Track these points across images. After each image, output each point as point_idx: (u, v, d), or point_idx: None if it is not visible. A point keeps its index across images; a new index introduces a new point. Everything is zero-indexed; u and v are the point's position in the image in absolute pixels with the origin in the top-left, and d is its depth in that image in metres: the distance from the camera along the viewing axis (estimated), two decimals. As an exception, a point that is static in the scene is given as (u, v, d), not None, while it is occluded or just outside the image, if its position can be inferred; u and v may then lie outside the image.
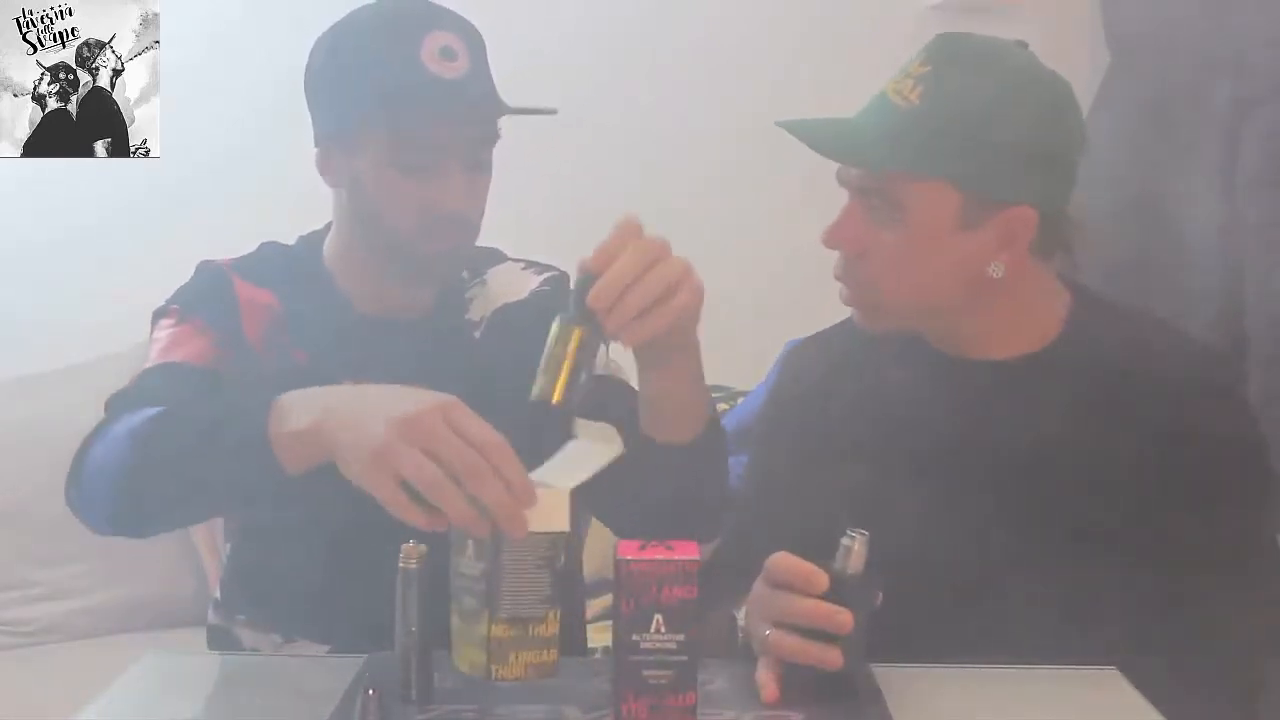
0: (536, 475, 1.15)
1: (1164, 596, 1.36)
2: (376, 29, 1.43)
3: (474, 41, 1.45)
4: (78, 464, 1.35)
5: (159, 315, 1.51)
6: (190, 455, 1.25)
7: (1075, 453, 1.39)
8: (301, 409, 1.21)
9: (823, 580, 1.19)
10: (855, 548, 1.20)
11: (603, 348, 1.55)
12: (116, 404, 1.41)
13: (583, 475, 1.16)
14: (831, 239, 1.42)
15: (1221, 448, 1.38)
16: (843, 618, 1.18)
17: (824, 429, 1.50)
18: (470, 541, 1.13)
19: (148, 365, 1.46)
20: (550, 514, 1.13)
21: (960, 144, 1.34)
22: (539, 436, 1.22)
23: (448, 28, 1.43)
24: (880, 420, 1.46)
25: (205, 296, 1.50)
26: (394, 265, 1.47)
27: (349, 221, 1.50)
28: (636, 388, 1.40)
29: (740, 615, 1.30)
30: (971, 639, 1.32)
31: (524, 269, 1.60)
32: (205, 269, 1.54)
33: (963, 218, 1.36)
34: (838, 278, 1.43)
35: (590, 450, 1.19)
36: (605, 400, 1.36)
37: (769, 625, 1.22)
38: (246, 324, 1.48)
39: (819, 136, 1.41)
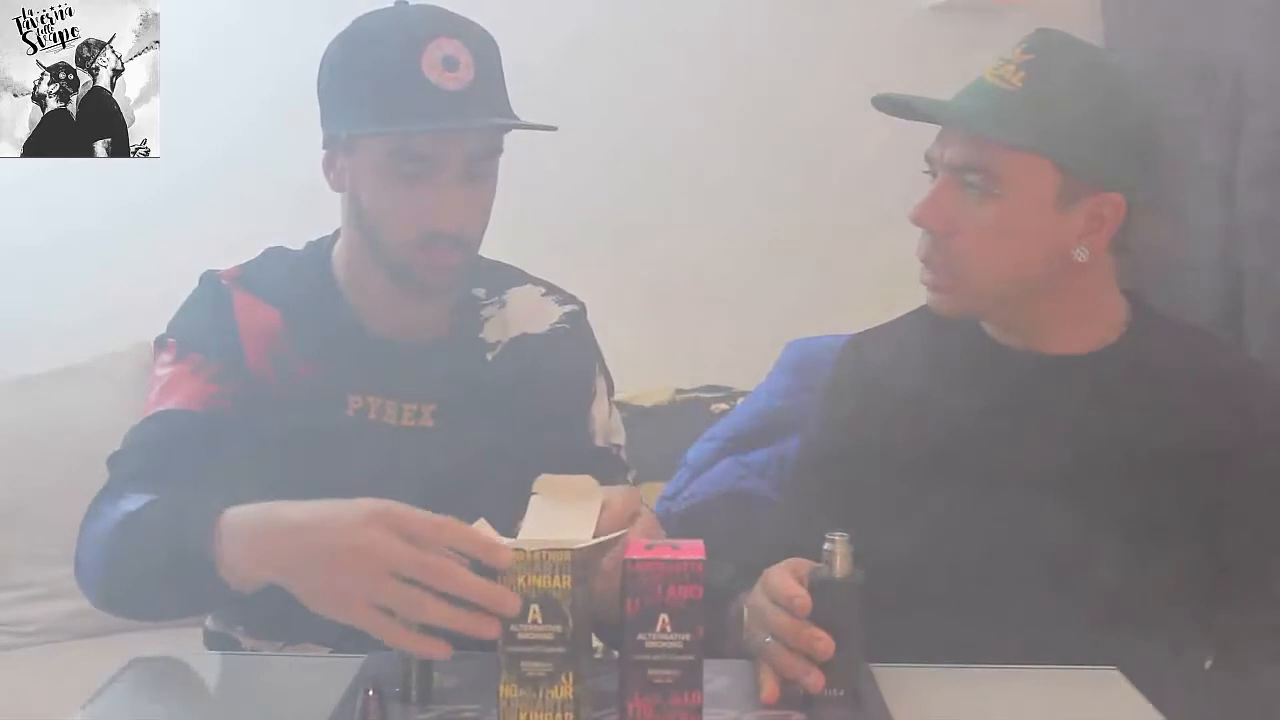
0: (520, 539, 1.13)
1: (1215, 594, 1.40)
2: (383, 34, 1.42)
3: (483, 51, 1.42)
4: (80, 537, 1.36)
5: (159, 346, 1.50)
6: (148, 576, 1.25)
7: (1135, 450, 1.41)
8: (243, 549, 1.18)
9: (805, 604, 1.19)
10: (837, 550, 1.20)
11: (604, 412, 1.56)
12: (115, 465, 1.42)
13: (586, 529, 1.15)
14: (923, 215, 1.43)
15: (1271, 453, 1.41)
16: (822, 645, 1.18)
17: (877, 420, 1.50)
18: (535, 605, 1.09)
19: (145, 413, 1.45)
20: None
21: (1064, 124, 1.38)
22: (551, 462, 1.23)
23: (455, 35, 1.40)
24: (937, 413, 1.47)
25: (204, 324, 1.48)
26: (393, 278, 1.46)
27: (353, 229, 1.49)
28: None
29: (746, 613, 1.30)
30: (1022, 638, 1.34)
31: (544, 295, 1.59)
32: (207, 285, 1.52)
33: (1059, 197, 1.39)
34: (922, 258, 1.44)
35: (566, 506, 1.18)
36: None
37: (767, 633, 1.22)
38: (249, 351, 1.47)
39: (928, 108, 1.43)
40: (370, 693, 1.12)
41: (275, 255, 1.55)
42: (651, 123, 2.62)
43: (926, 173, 1.45)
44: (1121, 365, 1.45)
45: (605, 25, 2.62)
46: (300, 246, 1.56)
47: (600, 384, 1.58)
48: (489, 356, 1.53)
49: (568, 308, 1.59)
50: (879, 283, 2.51)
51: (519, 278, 1.59)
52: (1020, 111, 1.38)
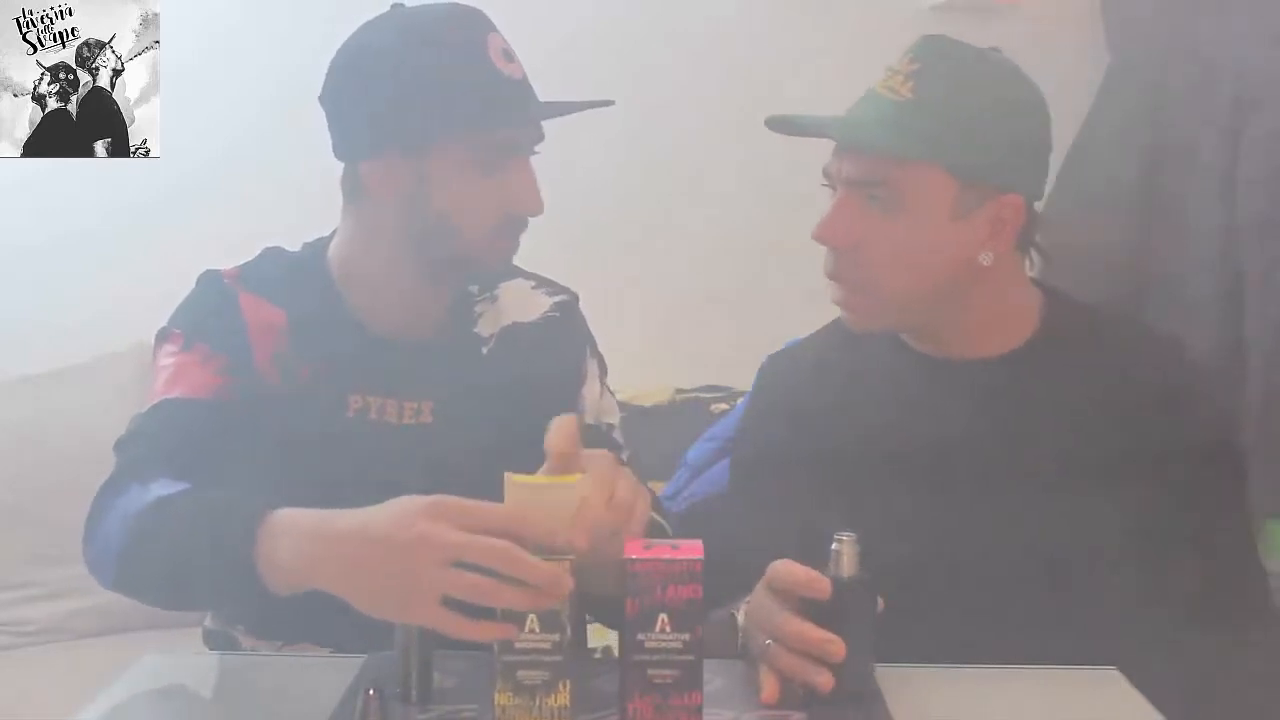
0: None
1: (1155, 586, 1.37)
2: (438, 34, 1.43)
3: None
4: (89, 524, 1.33)
5: (161, 338, 1.48)
6: (178, 563, 1.22)
7: (1056, 448, 1.41)
8: (291, 553, 1.16)
9: (824, 585, 1.19)
10: (845, 550, 1.20)
11: (595, 392, 1.56)
12: (123, 450, 1.39)
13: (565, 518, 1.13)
14: (825, 233, 1.43)
15: (1189, 430, 1.41)
16: (834, 648, 1.18)
17: (804, 436, 1.50)
18: (531, 616, 1.10)
19: (151, 401, 1.42)
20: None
21: (956, 132, 1.38)
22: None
23: (494, 28, 1.45)
24: (862, 424, 1.47)
25: (211, 318, 1.47)
26: (431, 276, 1.47)
27: (384, 232, 1.47)
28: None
29: (740, 616, 1.30)
30: (970, 640, 1.33)
31: (535, 288, 1.60)
32: (209, 283, 1.50)
33: (958, 205, 1.39)
34: (829, 275, 1.45)
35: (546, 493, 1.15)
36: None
37: (768, 636, 1.22)
38: (256, 349, 1.46)
39: (821, 126, 1.44)
40: (370, 693, 1.12)
41: (273, 256, 1.55)
42: (651, 123, 2.62)
43: (825, 185, 1.46)
44: (1036, 362, 1.45)
45: (605, 25, 2.62)
46: (297, 247, 1.55)
47: (591, 366, 1.59)
48: (484, 350, 1.53)
49: (558, 297, 1.60)
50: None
51: (510, 272, 1.59)
52: (912, 122, 1.38)
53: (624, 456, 1.54)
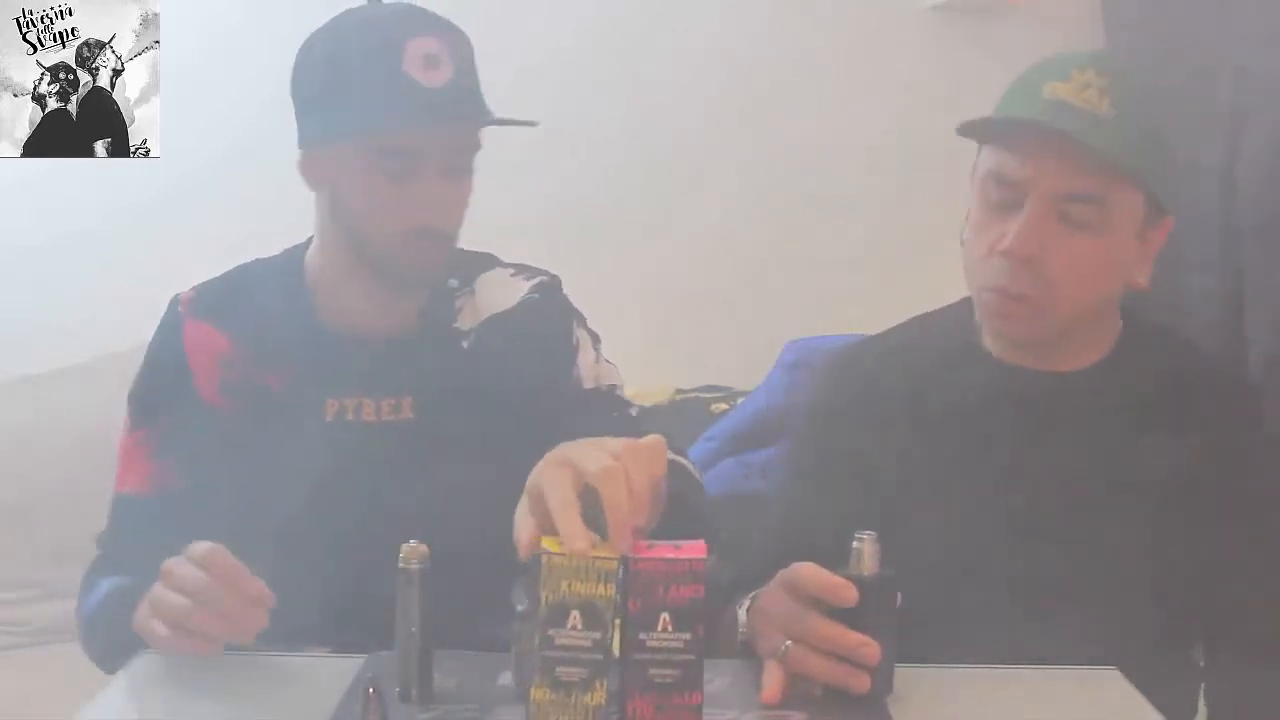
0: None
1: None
2: (361, 34, 1.42)
3: (460, 48, 1.44)
4: (77, 608, 1.50)
5: (128, 402, 1.54)
6: (115, 648, 1.35)
7: (1121, 462, 1.42)
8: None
9: (851, 593, 1.18)
10: (865, 549, 1.20)
11: (590, 359, 1.56)
12: (101, 542, 1.53)
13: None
14: (1024, 246, 1.36)
15: (1245, 462, 1.43)
16: (870, 650, 1.17)
17: (874, 438, 1.48)
18: (575, 612, 1.08)
19: (115, 485, 1.53)
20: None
21: (1156, 151, 1.38)
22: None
23: (433, 34, 1.42)
24: (930, 428, 1.46)
25: (155, 377, 1.53)
26: (375, 274, 1.47)
27: (330, 228, 1.49)
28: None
29: (742, 613, 1.30)
30: (1020, 644, 1.33)
31: (513, 275, 1.59)
32: (165, 314, 1.54)
33: (1144, 223, 1.39)
34: (1003, 288, 1.38)
35: None
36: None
37: (787, 637, 1.21)
38: (200, 381, 1.50)
39: (1041, 129, 1.36)
40: (370, 693, 1.12)
41: (246, 268, 1.56)
42: (651, 123, 2.62)
43: (996, 206, 1.39)
44: (1106, 381, 1.45)
45: (606, 26, 2.61)
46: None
47: (582, 335, 1.57)
48: (465, 344, 1.53)
49: (536, 279, 1.58)
50: (879, 283, 2.52)
51: (489, 263, 1.59)
52: (1120, 136, 1.34)
53: (632, 412, 1.54)
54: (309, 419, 1.47)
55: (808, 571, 1.21)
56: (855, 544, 1.20)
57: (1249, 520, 1.42)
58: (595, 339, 1.59)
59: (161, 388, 1.51)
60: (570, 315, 1.59)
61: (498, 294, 1.56)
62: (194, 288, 1.55)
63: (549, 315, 1.57)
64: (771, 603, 1.25)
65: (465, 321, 1.54)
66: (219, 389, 1.49)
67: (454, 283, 1.55)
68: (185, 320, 1.52)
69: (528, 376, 1.50)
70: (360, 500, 1.46)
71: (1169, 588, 1.41)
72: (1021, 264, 1.36)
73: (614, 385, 1.57)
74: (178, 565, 1.25)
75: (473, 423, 1.47)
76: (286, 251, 1.56)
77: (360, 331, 1.50)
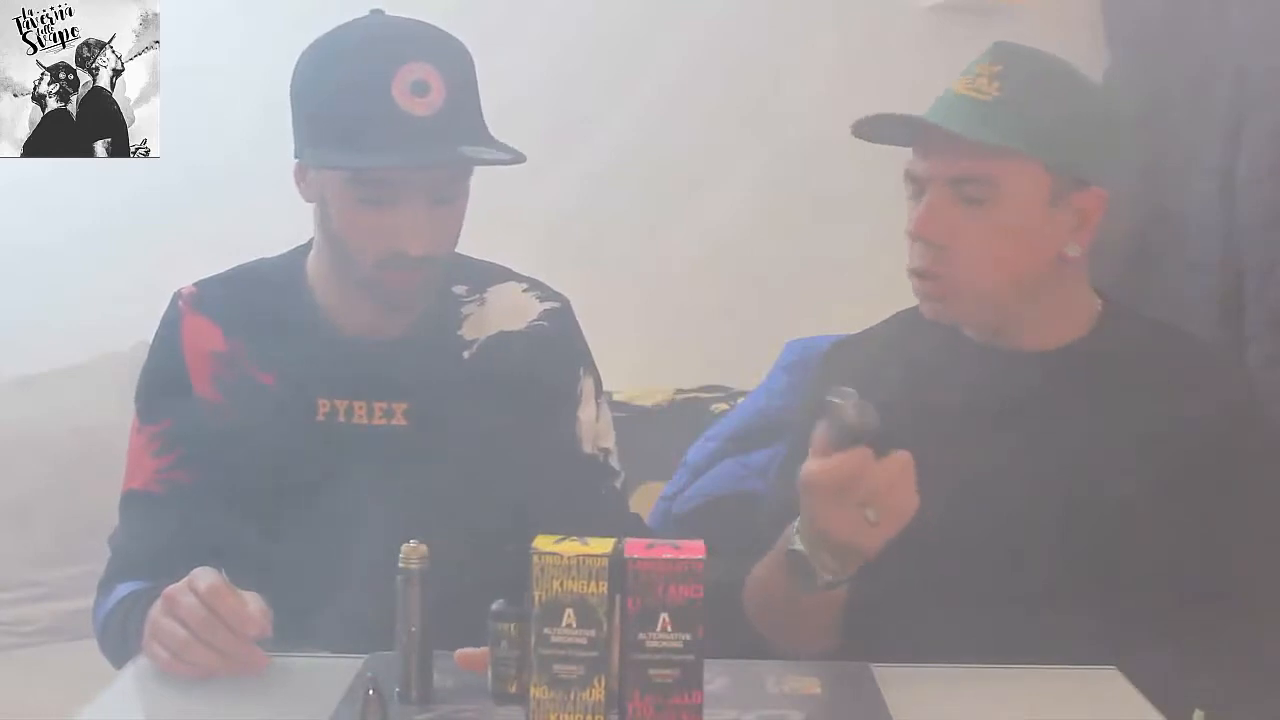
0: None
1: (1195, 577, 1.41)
2: (353, 54, 1.40)
3: (455, 70, 1.40)
4: (94, 609, 1.51)
5: (135, 399, 1.54)
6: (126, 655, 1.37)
7: (1108, 442, 1.43)
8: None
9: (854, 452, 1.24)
10: (846, 404, 1.24)
11: (591, 415, 1.54)
12: (112, 541, 1.53)
13: None
14: (923, 229, 1.45)
15: (1229, 430, 1.45)
16: (907, 457, 1.24)
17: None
18: (569, 610, 1.09)
19: (124, 483, 1.53)
20: None
21: (1047, 125, 1.42)
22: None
23: (427, 58, 1.38)
24: (921, 411, 1.47)
25: (156, 372, 1.53)
26: (361, 289, 1.46)
27: (323, 238, 1.49)
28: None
29: (793, 531, 1.31)
30: (999, 631, 1.34)
31: (525, 291, 1.57)
32: (167, 309, 1.54)
33: (1051, 197, 1.43)
34: (918, 270, 1.47)
35: None
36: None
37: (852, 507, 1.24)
38: (194, 376, 1.49)
39: (910, 126, 1.46)
40: (370, 693, 1.12)
41: (249, 267, 1.56)
42: (652, 123, 2.62)
43: (911, 198, 1.48)
44: (1088, 359, 1.48)
45: (606, 27, 2.61)
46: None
47: (587, 385, 1.56)
48: (466, 354, 1.52)
49: (548, 304, 1.56)
50: (879, 283, 2.51)
51: (502, 275, 1.58)
52: (1004, 117, 1.41)
53: (618, 484, 1.54)
54: (301, 418, 1.47)
55: (811, 467, 1.25)
56: (834, 399, 1.24)
57: (1248, 506, 1.44)
58: (598, 386, 1.57)
59: (163, 383, 1.51)
60: (578, 359, 1.57)
61: (508, 310, 1.55)
62: (196, 283, 1.54)
63: (556, 353, 1.55)
64: (812, 508, 1.27)
65: (470, 331, 1.53)
66: (212, 384, 1.48)
67: (460, 289, 1.54)
68: (185, 315, 1.51)
69: (525, 412, 1.49)
70: (353, 502, 1.45)
71: (1165, 576, 1.40)
72: (927, 245, 1.45)
73: (607, 451, 1.56)
74: (180, 594, 1.25)
75: (465, 438, 1.46)
76: (290, 251, 1.56)
77: (359, 334, 1.50)
